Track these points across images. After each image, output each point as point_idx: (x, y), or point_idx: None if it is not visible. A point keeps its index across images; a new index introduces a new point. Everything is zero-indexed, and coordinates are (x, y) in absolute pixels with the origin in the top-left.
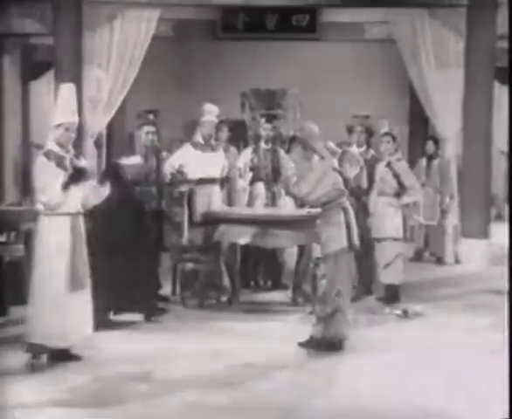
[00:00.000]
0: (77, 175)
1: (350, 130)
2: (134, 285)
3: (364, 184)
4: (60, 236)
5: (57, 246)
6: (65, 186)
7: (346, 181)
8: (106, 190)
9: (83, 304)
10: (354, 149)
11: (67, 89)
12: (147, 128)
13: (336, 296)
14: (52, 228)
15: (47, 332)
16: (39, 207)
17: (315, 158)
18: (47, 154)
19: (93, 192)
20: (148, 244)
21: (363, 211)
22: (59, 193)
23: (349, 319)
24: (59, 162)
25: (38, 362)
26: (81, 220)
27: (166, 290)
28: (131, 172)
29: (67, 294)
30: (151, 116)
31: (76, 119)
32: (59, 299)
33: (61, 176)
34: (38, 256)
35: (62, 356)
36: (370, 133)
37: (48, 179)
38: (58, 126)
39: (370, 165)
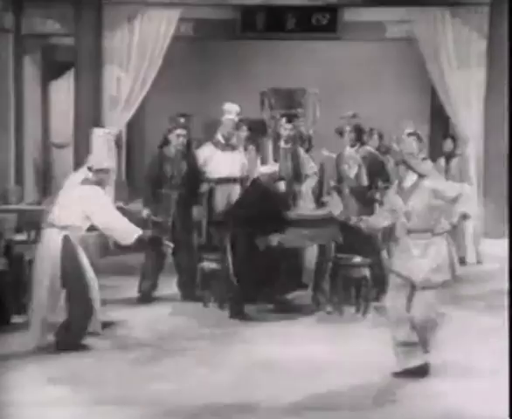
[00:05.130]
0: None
1: (341, 132)
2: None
3: (365, 182)
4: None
5: None
6: None
7: None
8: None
9: None
10: (348, 150)
11: (104, 135)
12: (178, 131)
13: None
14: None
15: None
16: None
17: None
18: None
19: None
20: None
21: (366, 208)
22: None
23: None
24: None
25: None
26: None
27: None
28: None
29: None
30: (182, 119)
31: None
32: None
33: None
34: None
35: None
36: (359, 130)
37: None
38: (99, 170)
39: (371, 162)
